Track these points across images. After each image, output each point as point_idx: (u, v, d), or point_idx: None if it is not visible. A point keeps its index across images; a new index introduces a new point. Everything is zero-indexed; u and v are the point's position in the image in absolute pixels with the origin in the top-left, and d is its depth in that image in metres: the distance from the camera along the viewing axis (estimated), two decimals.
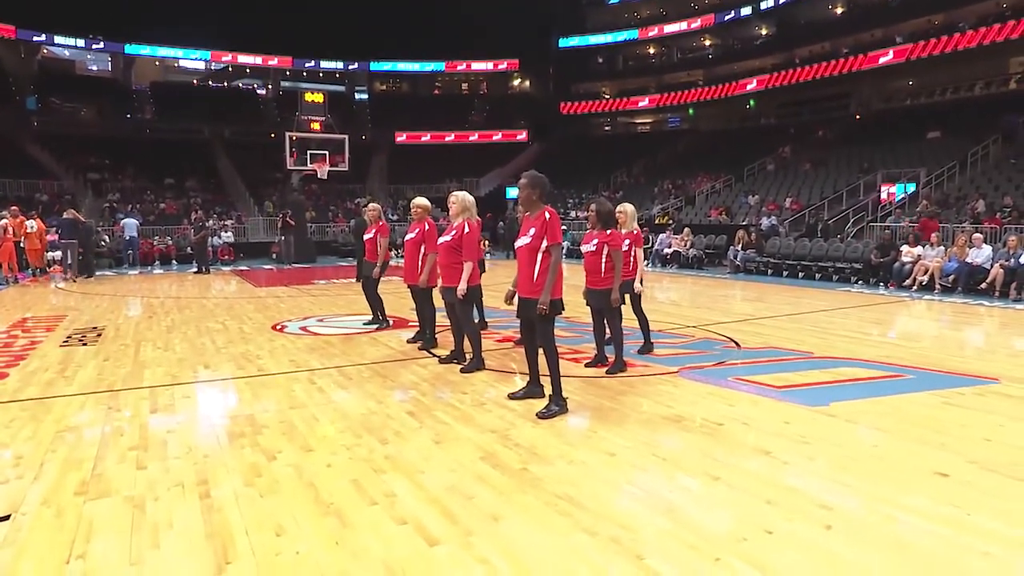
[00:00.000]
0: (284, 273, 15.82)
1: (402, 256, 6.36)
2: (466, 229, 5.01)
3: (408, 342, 6.32)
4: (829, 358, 5.58)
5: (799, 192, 20.61)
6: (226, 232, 20.48)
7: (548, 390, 4.10)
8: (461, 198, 5.11)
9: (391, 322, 7.34)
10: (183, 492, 2.92)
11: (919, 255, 11.27)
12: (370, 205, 7.35)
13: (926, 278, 10.84)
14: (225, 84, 39.07)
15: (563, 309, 4.03)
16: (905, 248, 11.65)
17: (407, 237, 5.96)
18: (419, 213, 5.91)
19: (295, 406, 4.23)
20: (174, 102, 32.82)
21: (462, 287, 4.92)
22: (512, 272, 4.29)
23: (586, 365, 5.24)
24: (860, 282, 12.04)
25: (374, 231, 6.96)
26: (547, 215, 3.92)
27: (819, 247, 14.08)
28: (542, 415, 3.90)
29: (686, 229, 17.32)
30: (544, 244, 3.91)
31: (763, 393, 4.45)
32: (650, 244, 17.94)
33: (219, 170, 29.06)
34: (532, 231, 3.95)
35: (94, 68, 36.53)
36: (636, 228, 5.61)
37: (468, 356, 5.27)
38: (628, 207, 5.66)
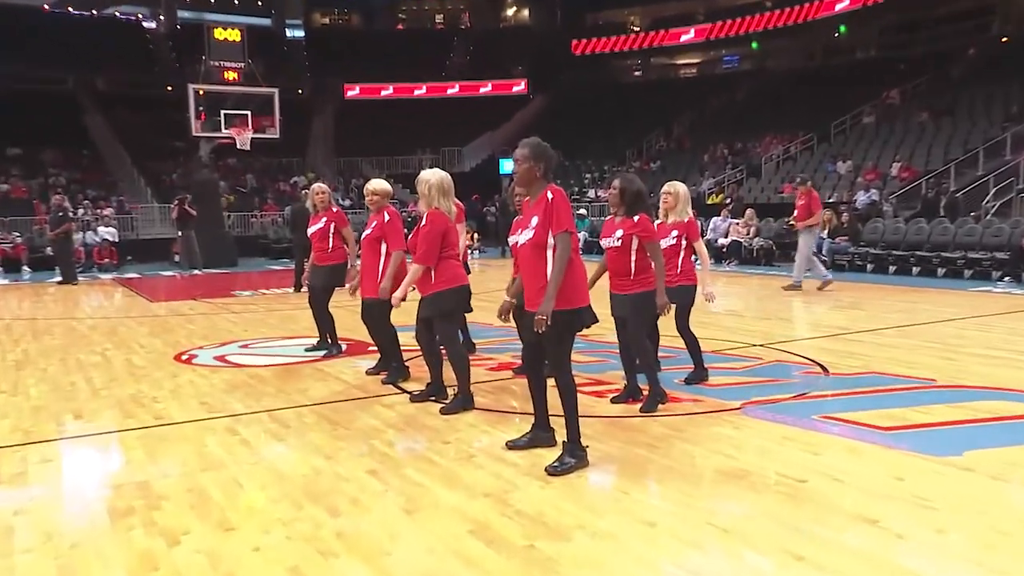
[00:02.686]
0: (191, 282, 15.79)
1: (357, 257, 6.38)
2: (419, 221, 5.15)
3: (368, 373, 6.33)
4: (961, 387, 5.56)
5: (912, 154, 20.63)
6: (105, 225, 20.43)
7: (561, 436, 4.09)
8: (427, 181, 5.15)
9: (344, 347, 7.34)
10: None
11: None
12: (315, 186, 7.36)
13: None
14: (94, 13, 37.33)
15: (593, 320, 4.02)
16: None
17: (364, 234, 5.99)
18: (376, 201, 5.93)
19: (209, 467, 4.22)
20: (17, 37, 30.21)
21: (397, 292, 5.16)
22: (507, 274, 4.30)
23: (613, 401, 5.25)
24: (1007, 278, 12.04)
25: (324, 220, 6.96)
26: (548, 195, 3.93)
27: (943, 231, 14.09)
28: (554, 470, 3.90)
29: (749, 211, 17.37)
30: (550, 239, 3.91)
31: (864, 437, 4.44)
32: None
33: (92, 137, 28.88)
34: (535, 220, 3.96)
35: None
36: (690, 215, 5.68)
37: (452, 391, 5.27)
38: (680, 187, 5.73)
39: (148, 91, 31.08)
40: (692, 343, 5.77)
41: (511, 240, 4.21)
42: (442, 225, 5.09)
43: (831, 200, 18.14)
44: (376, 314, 5.97)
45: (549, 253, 3.93)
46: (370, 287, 5.89)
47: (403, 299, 5.27)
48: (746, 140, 26.57)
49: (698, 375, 5.76)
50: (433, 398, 5.39)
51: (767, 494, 3.64)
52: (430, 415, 5.09)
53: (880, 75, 26.91)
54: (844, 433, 4.52)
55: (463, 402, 5.14)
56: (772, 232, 17.07)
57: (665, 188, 5.76)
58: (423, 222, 5.12)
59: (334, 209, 7.06)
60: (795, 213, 11.63)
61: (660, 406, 5.04)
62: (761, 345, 7.29)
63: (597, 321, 4.06)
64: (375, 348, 6.46)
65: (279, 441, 4.68)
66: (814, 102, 26.19)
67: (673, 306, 5.44)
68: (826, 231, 15.07)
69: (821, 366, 6.31)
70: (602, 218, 22.26)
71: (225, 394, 5.89)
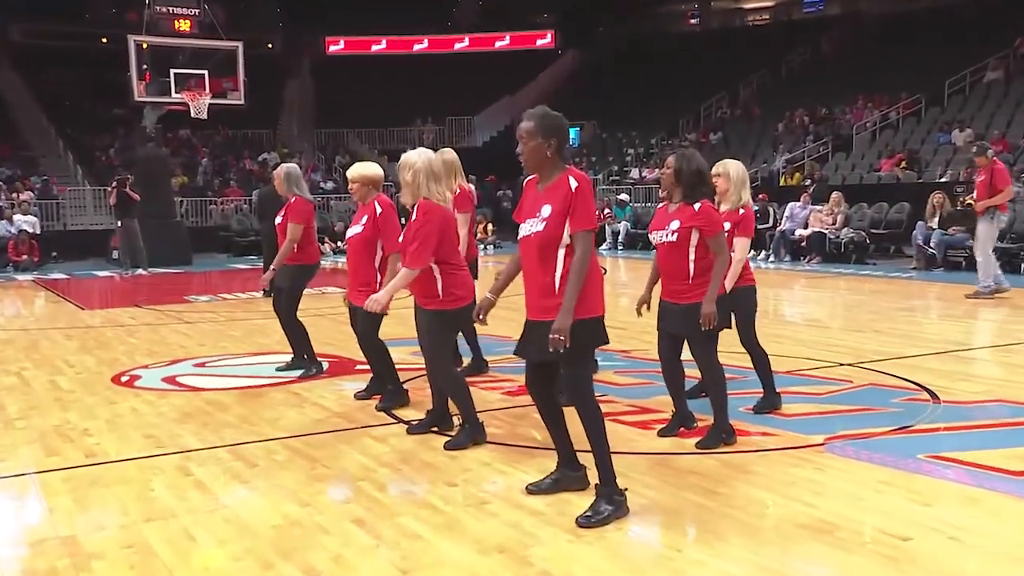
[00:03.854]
0: (133, 284, 15.89)
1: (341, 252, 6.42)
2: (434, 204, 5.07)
3: (357, 398, 6.38)
4: None
5: None
6: (23, 213, 20.50)
7: (594, 477, 4.09)
8: (411, 166, 5.11)
9: (325, 366, 7.40)
10: None
11: None
12: (280, 168, 7.45)
13: None
14: None
15: (605, 339, 4.05)
16: None
17: (349, 232, 6.05)
18: (360, 191, 5.99)
19: (155, 517, 4.23)
20: None
21: (380, 296, 5.06)
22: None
23: (661, 434, 5.24)
24: None
25: (284, 212, 7.09)
26: (571, 182, 3.92)
27: None
28: (586, 521, 3.90)
29: (835, 195, 17.31)
30: (566, 235, 3.91)
31: (988, 484, 4.40)
32: (770, 222, 17.88)
33: (4, 101, 29.04)
34: (547, 210, 3.96)
35: None
36: (747, 203, 5.67)
37: (457, 421, 5.29)
38: (734, 167, 5.71)
39: (77, 44, 31.05)
40: (762, 360, 5.75)
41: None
42: (437, 217, 5.05)
43: (943, 180, 17.99)
44: (366, 326, 6.00)
45: (561, 253, 3.94)
46: (357, 292, 5.93)
47: (386, 307, 5.24)
48: (832, 105, 26.38)
49: (769, 401, 5.74)
50: (435, 429, 5.40)
51: (859, 554, 3.61)
52: (431, 450, 5.10)
53: (1012, 16, 26.36)
54: (961, 478, 4.48)
55: (471, 432, 5.14)
56: (865, 221, 16.95)
57: (715, 169, 5.63)
58: (413, 215, 5.09)
59: (292, 199, 7.07)
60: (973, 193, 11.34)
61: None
62: (851, 364, 7.24)
63: (608, 342, 4.08)
64: (365, 367, 6.47)
65: (243, 483, 4.70)
66: (922, 55, 25.94)
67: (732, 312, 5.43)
68: (937, 220, 14.93)
69: (929, 391, 6.25)
70: (647, 204, 22.23)
71: (176, 424, 5.91)
